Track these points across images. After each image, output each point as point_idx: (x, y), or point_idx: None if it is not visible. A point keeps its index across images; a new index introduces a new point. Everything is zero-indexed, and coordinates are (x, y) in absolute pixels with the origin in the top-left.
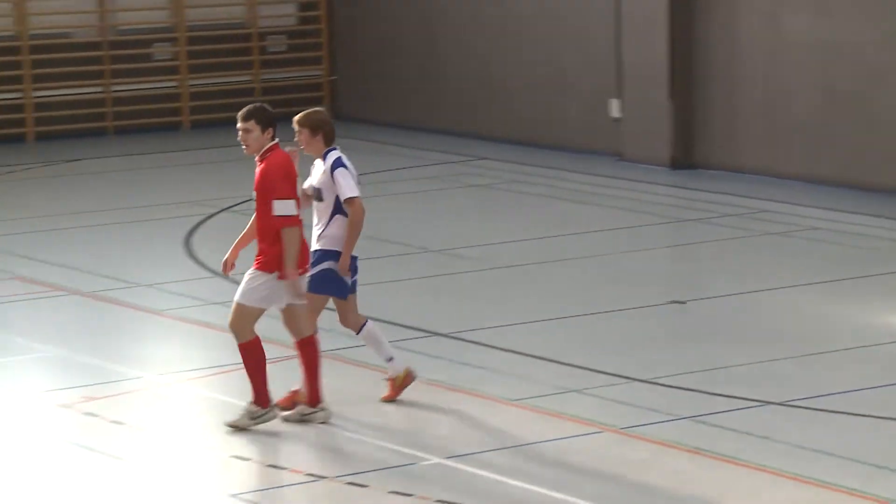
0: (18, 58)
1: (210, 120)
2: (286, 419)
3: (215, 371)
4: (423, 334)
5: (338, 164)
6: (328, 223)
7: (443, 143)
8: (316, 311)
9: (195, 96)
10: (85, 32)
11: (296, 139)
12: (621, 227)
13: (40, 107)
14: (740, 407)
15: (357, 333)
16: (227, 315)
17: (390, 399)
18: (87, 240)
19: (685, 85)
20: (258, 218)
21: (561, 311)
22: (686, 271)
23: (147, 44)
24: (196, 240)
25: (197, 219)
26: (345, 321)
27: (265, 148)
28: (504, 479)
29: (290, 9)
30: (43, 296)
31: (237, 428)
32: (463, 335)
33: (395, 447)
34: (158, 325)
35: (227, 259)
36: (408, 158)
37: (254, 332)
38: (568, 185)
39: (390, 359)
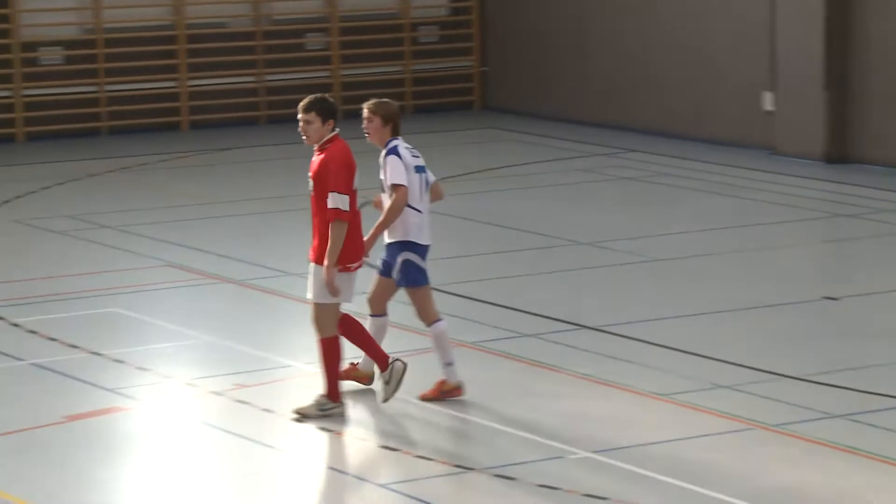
0: (174, 47)
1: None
2: (301, 413)
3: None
4: (571, 327)
5: (391, 151)
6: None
7: (592, 135)
8: (428, 304)
9: (346, 86)
10: (239, 22)
11: (364, 125)
12: (773, 221)
13: (194, 96)
14: (894, 406)
15: (427, 326)
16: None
17: (427, 398)
18: (239, 228)
19: (841, 76)
20: (313, 207)
21: (711, 306)
22: (839, 267)
23: (300, 34)
24: None
25: None
26: (421, 313)
27: (325, 139)
28: (652, 474)
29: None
30: (196, 283)
31: (303, 416)
32: (611, 328)
33: (543, 440)
34: (307, 313)
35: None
36: (556, 150)
37: (335, 329)
38: (719, 178)
39: (449, 364)
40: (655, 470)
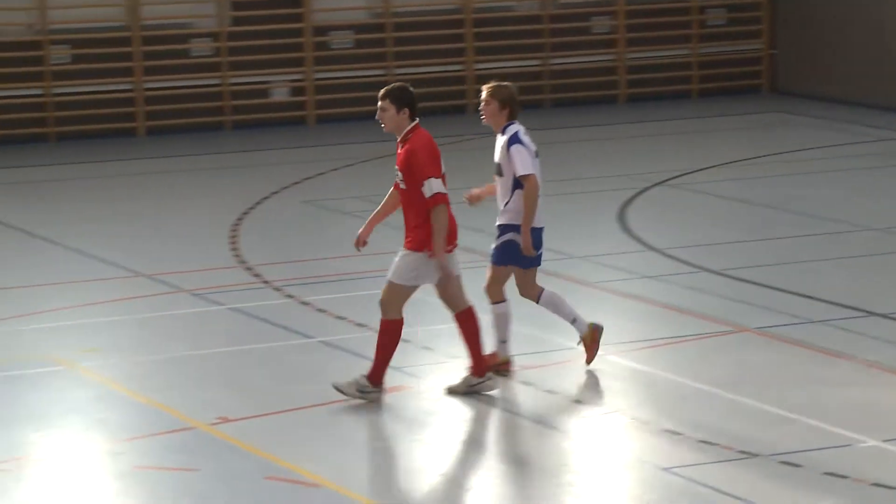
0: (461, 31)
1: (648, 94)
2: (451, 391)
3: (647, 344)
4: (860, 314)
5: (514, 140)
6: (510, 197)
7: (888, 120)
8: (500, 282)
9: (632, 70)
10: (526, 6)
11: (481, 107)
12: None
13: (482, 79)
14: None
15: (537, 303)
16: (660, 290)
17: (591, 361)
18: None
19: None
20: (404, 198)
21: None
22: None
23: (586, 17)
24: (630, 213)
25: (630, 192)
26: (523, 291)
27: (406, 129)
28: None
29: None
30: (481, 265)
31: (342, 392)
32: None
33: (830, 428)
34: (591, 296)
35: (360, 234)
36: (850, 134)
37: (401, 313)
38: None
39: (574, 320)
40: None
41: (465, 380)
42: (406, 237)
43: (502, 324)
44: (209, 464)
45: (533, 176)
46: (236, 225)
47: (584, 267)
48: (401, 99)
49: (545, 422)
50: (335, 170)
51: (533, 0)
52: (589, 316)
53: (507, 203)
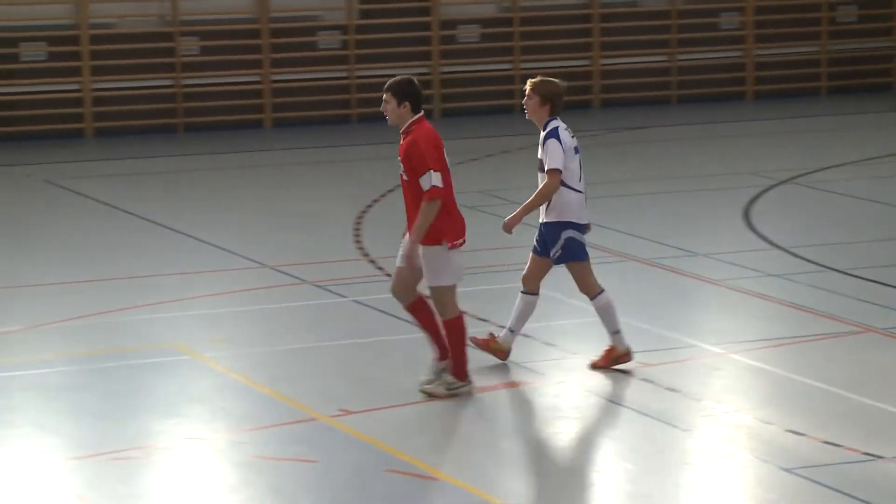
0: (589, 25)
1: (776, 91)
2: (427, 391)
3: (771, 343)
4: None
5: (551, 134)
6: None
7: None
8: (588, 278)
9: (760, 66)
10: (652, 1)
11: (524, 101)
12: None
13: (607, 74)
14: None
15: (591, 300)
16: (784, 288)
17: (597, 366)
18: (648, 207)
19: None
20: (408, 190)
21: None
22: None
23: (715, 13)
24: (755, 211)
25: (756, 190)
26: (582, 287)
27: (409, 122)
28: None
29: None
30: (604, 261)
31: (430, 395)
32: None
33: None
34: (716, 294)
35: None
36: None
37: (457, 309)
38: None
39: (617, 332)
40: None
41: (446, 381)
42: (409, 230)
43: (607, 315)
44: (329, 455)
45: (557, 172)
46: (360, 217)
47: (708, 264)
48: (401, 92)
49: (667, 420)
50: (459, 164)
51: None
52: (713, 313)
53: (550, 200)
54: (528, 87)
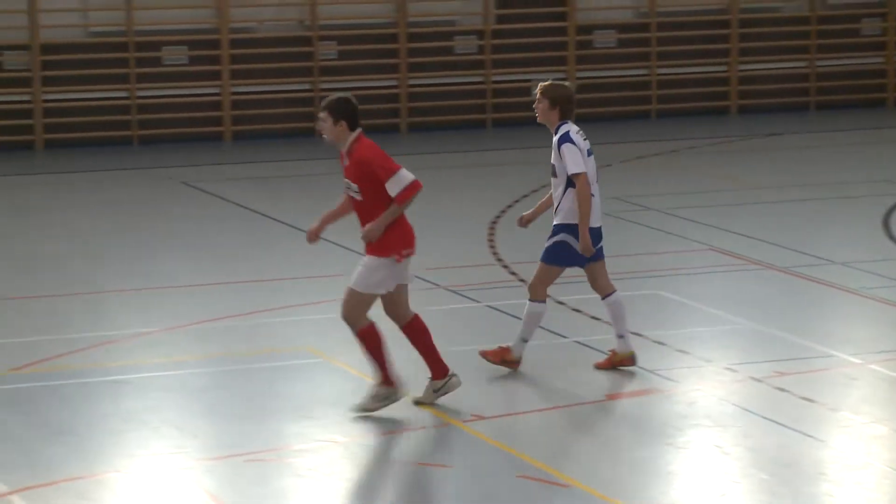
0: (726, 31)
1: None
2: (419, 402)
3: None
4: None
5: (564, 139)
6: (562, 197)
7: None
8: (546, 283)
9: None
10: (794, 7)
11: (534, 105)
12: None
13: (744, 80)
14: None
15: (602, 299)
16: None
17: (601, 367)
18: (784, 214)
19: None
20: (361, 208)
21: None
22: None
23: (855, 18)
24: (895, 220)
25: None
26: (594, 285)
27: (350, 140)
28: None
29: None
30: (738, 268)
31: (364, 410)
32: None
33: None
34: (852, 303)
35: (312, 229)
36: None
37: (367, 319)
38: None
39: (622, 336)
40: None
41: (428, 387)
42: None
43: (616, 316)
44: (463, 460)
45: (584, 174)
46: (494, 222)
47: (844, 273)
48: (338, 111)
49: (803, 430)
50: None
51: (800, 1)
52: (850, 323)
53: (559, 203)
54: (537, 92)
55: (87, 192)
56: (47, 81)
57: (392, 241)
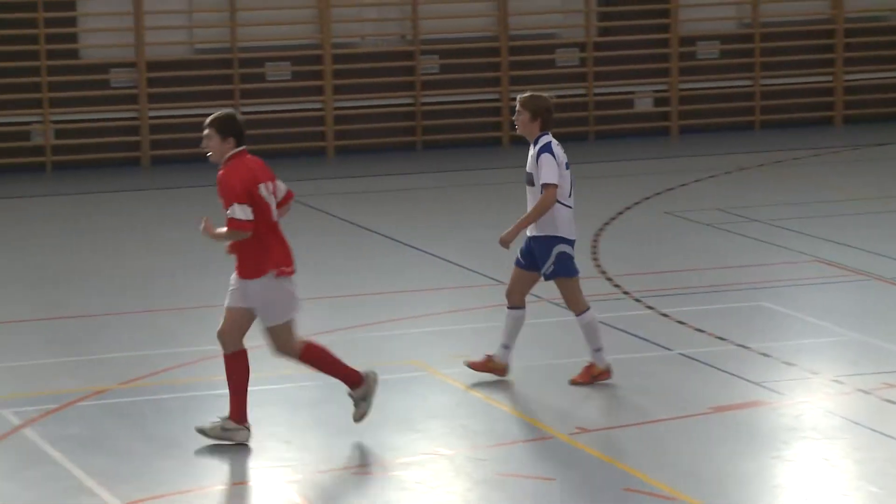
0: (831, 41)
1: None
2: (202, 432)
3: None
4: None
5: (545, 149)
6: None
7: None
8: (578, 294)
9: None
10: None
11: (514, 117)
12: None
13: (851, 90)
14: None
15: (509, 308)
16: None
17: (577, 383)
18: (888, 225)
19: None
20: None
21: None
22: None
23: None
24: None
25: None
26: (517, 291)
27: (227, 155)
28: None
29: None
30: (844, 280)
31: (204, 433)
32: None
33: None
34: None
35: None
36: None
37: (240, 343)
38: None
39: (599, 349)
40: None
41: (222, 423)
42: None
43: (591, 333)
44: (567, 473)
45: (553, 187)
46: (597, 235)
47: None
48: (225, 128)
49: None
50: (697, 181)
51: None
52: None
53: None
54: (518, 102)
55: (194, 207)
56: (153, 98)
57: (259, 261)
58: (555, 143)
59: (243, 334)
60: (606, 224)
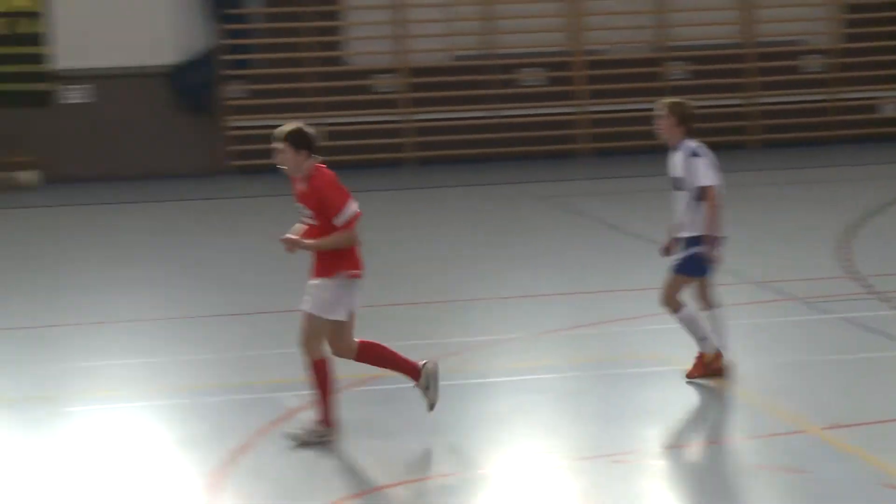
0: None
1: None
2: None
3: None
4: None
5: (696, 153)
6: (689, 210)
7: None
8: (678, 290)
9: None
10: None
11: (657, 122)
12: None
13: None
14: None
15: (674, 314)
16: None
17: (693, 376)
18: None
19: None
20: (315, 234)
21: None
22: None
23: None
24: None
25: None
26: (703, 296)
27: (308, 166)
28: None
29: None
30: None
31: (301, 443)
32: None
33: None
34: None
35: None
36: None
37: (322, 352)
38: None
39: (704, 338)
40: None
41: (314, 429)
42: (315, 265)
43: (694, 325)
44: (822, 467)
45: (713, 187)
46: (846, 236)
47: None
48: (297, 141)
49: None
50: None
51: None
52: None
53: (687, 216)
54: (663, 108)
55: (456, 205)
56: (416, 103)
57: (335, 262)
58: (700, 147)
59: (349, 337)
60: (855, 225)
